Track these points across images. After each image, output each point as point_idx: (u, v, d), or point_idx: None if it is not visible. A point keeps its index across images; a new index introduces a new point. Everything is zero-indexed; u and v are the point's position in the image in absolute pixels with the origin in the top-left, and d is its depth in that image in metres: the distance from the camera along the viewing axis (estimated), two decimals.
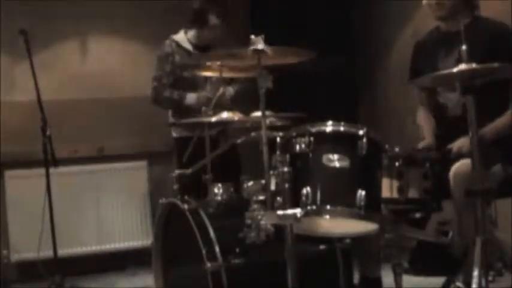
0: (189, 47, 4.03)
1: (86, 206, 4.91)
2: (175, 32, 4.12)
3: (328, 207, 2.30)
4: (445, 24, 3.02)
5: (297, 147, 2.38)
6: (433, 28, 3.12)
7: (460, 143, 2.81)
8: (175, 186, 3.00)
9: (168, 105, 4.03)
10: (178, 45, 4.04)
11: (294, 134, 2.41)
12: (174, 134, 4.12)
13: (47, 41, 4.97)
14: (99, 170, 5.00)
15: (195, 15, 3.98)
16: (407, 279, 2.76)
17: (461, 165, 2.62)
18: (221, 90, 3.32)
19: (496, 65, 2.37)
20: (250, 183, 2.60)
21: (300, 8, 4.99)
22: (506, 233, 3.08)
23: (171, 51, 4.02)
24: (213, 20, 3.95)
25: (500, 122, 2.85)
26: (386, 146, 2.46)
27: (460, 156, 2.73)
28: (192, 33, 4.05)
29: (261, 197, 2.53)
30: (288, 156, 2.35)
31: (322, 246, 2.83)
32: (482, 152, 2.41)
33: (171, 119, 4.09)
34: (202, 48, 3.99)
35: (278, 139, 2.45)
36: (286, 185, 2.31)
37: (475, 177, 2.38)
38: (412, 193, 2.52)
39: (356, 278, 2.96)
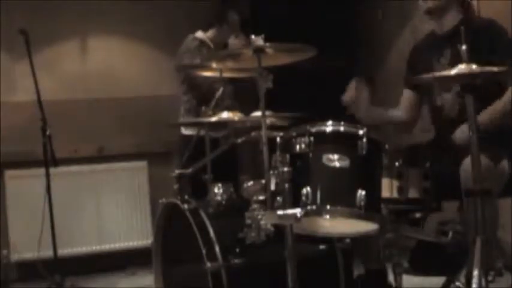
0: (210, 45, 4.07)
1: (86, 206, 4.91)
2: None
3: (328, 207, 2.30)
4: (437, 25, 3.02)
5: (297, 147, 2.38)
6: (429, 32, 3.13)
7: (460, 133, 2.79)
8: (175, 186, 3.00)
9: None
10: (201, 42, 4.06)
11: (294, 134, 2.41)
12: (186, 132, 4.07)
13: (47, 41, 4.98)
14: (99, 170, 5.00)
15: (216, 13, 4.02)
16: (407, 279, 2.76)
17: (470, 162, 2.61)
18: (221, 90, 3.32)
19: (495, 68, 2.36)
20: (250, 183, 2.60)
21: (299, 8, 4.99)
22: (506, 233, 3.08)
23: (198, 45, 4.04)
24: (233, 16, 4.00)
25: (495, 106, 2.83)
26: (386, 146, 2.46)
27: (458, 152, 2.72)
28: (210, 32, 4.09)
29: (261, 197, 2.53)
30: (288, 156, 2.35)
31: (322, 246, 2.83)
32: (487, 148, 2.41)
33: (183, 118, 4.08)
34: (222, 47, 4.01)
35: (278, 139, 2.44)
36: (286, 185, 2.31)
37: (476, 177, 2.38)
38: (412, 193, 2.52)
39: (358, 274, 2.96)
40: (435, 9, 2.96)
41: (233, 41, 4.00)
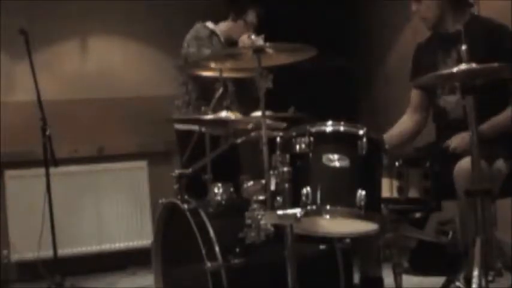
0: (221, 38, 4.01)
1: (86, 206, 4.91)
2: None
3: (328, 207, 2.30)
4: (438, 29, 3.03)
5: (297, 147, 2.38)
6: (434, 32, 3.13)
7: (457, 141, 2.80)
8: (175, 186, 3.00)
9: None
10: (212, 32, 3.99)
11: (294, 134, 2.41)
12: (180, 127, 3.99)
13: (47, 41, 4.98)
14: (99, 170, 5.00)
15: (235, 6, 3.96)
16: (407, 279, 2.76)
17: (465, 163, 2.61)
18: (221, 90, 3.31)
19: (496, 65, 2.37)
20: (250, 183, 2.60)
21: (299, 8, 4.99)
22: (506, 233, 3.08)
23: (209, 34, 3.96)
24: (251, 16, 3.95)
25: (498, 118, 2.85)
26: (386, 146, 2.46)
27: (456, 154, 2.72)
28: (223, 26, 4.02)
29: (261, 197, 2.53)
30: (288, 156, 2.35)
31: (322, 246, 2.83)
32: (483, 148, 2.41)
33: (180, 112, 4.03)
34: (231, 43, 3.96)
35: (278, 139, 2.45)
36: (286, 185, 2.31)
37: (476, 177, 2.38)
38: (412, 193, 2.52)
39: (356, 278, 2.96)
40: (435, 24, 3.00)
41: (244, 39, 3.91)
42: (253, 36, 3.38)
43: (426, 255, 2.93)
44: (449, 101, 2.97)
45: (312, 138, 2.37)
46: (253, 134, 2.93)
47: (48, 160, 3.99)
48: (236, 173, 3.14)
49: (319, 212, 2.32)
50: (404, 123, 3.22)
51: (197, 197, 2.93)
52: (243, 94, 3.98)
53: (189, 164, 3.17)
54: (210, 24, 4.03)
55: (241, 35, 3.92)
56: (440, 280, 2.76)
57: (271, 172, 2.40)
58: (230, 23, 4.01)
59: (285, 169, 2.32)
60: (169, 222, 3.04)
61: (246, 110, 3.17)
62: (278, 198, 2.34)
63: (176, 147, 4.11)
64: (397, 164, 2.50)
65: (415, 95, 3.20)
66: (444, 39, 3.01)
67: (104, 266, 4.89)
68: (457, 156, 2.72)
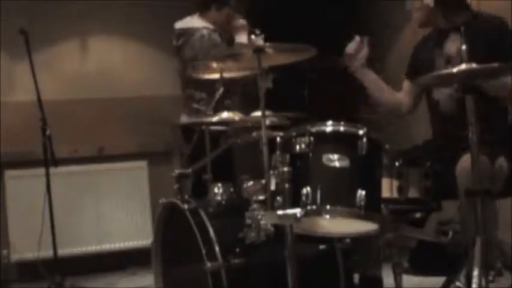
0: (222, 33, 3.95)
1: (86, 206, 4.91)
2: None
3: (328, 207, 2.30)
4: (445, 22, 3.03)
5: (297, 147, 2.38)
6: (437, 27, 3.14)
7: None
8: (175, 186, 3.00)
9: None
10: (220, 34, 3.92)
11: (294, 134, 2.41)
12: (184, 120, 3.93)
13: (47, 41, 4.97)
14: (99, 170, 5.00)
15: None
16: (407, 279, 2.76)
17: (467, 162, 2.61)
18: (221, 90, 3.31)
19: (496, 65, 2.36)
20: (250, 183, 2.60)
21: (299, 7, 4.99)
22: (506, 233, 3.07)
23: (221, 39, 3.89)
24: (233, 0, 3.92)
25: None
26: (386, 146, 2.47)
27: (456, 154, 2.71)
28: (209, 18, 3.95)
29: (261, 197, 2.53)
30: (288, 156, 2.35)
31: (322, 246, 2.83)
32: (484, 146, 2.40)
33: (184, 118, 4.00)
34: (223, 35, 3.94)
35: (278, 139, 2.45)
36: (286, 185, 2.31)
37: (476, 176, 2.38)
38: (412, 193, 2.52)
39: (356, 278, 2.96)
40: (423, 23, 3.02)
41: (240, 40, 3.88)
42: (253, 36, 3.37)
43: (426, 255, 2.94)
44: (443, 93, 2.97)
45: (312, 138, 2.37)
46: (253, 134, 2.93)
47: (48, 160, 3.99)
48: (236, 173, 3.14)
49: (319, 212, 2.32)
50: (394, 93, 3.25)
51: (197, 197, 2.93)
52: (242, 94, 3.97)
53: (189, 163, 3.17)
54: (209, 25, 3.98)
55: (227, 22, 3.90)
56: (440, 280, 2.76)
57: (271, 172, 2.40)
58: (215, 13, 3.97)
59: (285, 169, 2.32)
60: (169, 222, 3.05)
61: (247, 110, 3.17)
62: (278, 198, 2.35)
63: (178, 143, 4.07)
64: (397, 164, 2.50)
65: (405, 87, 3.22)
66: (441, 34, 3.02)
67: (104, 266, 4.88)
68: (456, 155, 2.71)
